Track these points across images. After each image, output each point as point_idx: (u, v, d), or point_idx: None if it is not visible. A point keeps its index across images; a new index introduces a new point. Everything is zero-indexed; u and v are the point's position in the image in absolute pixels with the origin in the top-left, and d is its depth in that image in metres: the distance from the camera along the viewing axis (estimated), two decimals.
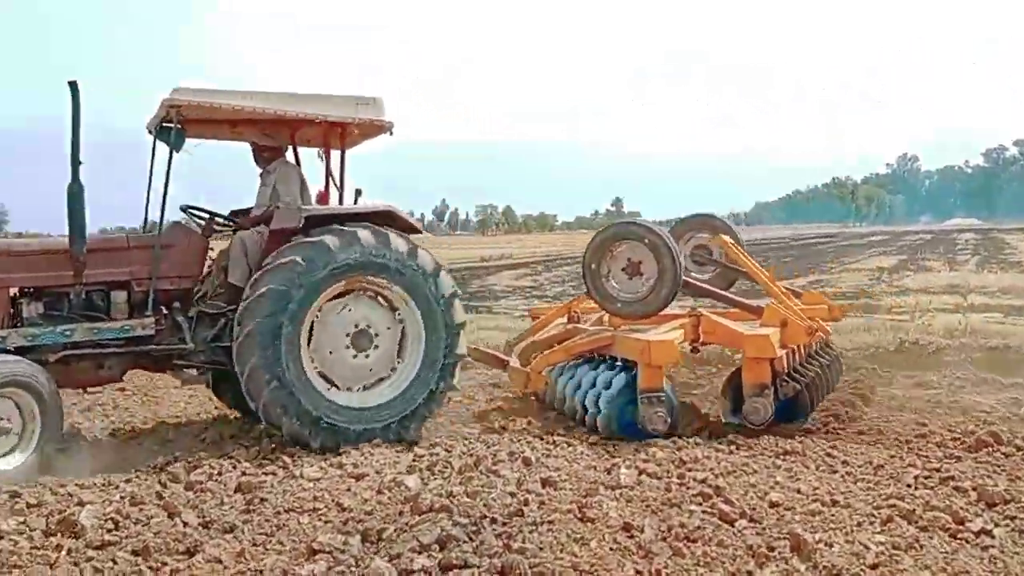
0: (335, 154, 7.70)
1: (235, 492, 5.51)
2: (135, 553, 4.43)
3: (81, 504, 5.14)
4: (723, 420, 7.49)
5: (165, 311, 7.00)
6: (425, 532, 4.45)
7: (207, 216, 7.52)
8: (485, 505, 4.88)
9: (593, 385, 7.45)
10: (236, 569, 4.26)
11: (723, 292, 8.32)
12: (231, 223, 7.60)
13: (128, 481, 5.83)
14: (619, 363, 7.51)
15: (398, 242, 7.06)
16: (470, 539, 4.39)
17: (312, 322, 6.88)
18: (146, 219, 7.48)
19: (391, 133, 7.53)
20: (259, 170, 7.88)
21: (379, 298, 7.16)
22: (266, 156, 7.74)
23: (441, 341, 7.13)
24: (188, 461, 6.25)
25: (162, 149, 7.06)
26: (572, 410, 7.76)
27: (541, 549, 4.25)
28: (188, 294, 7.16)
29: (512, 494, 5.09)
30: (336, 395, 6.93)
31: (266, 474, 5.93)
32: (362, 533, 4.58)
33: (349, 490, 5.44)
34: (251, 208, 7.66)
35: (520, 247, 64.97)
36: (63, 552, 4.45)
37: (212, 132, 7.80)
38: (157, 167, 7.02)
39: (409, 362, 7.17)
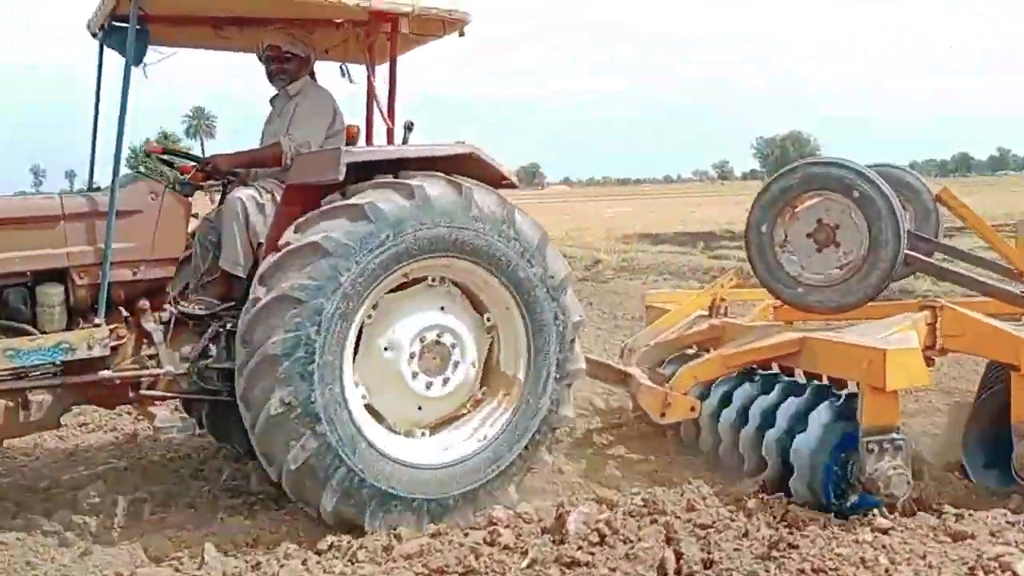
0: (379, 69, 5.13)
1: None
2: None
3: None
4: (972, 478, 4.95)
5: (125, 315, 4.52)
6: None
7: (188, 163, 5.01)
8: None
9: (768, 420, 4.94)
10: None
11: (966, 273, 5.58)
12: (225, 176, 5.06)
13: None
14: (803, 382, 5.02)
15: (489, 202, 4.52)
16: None
17: (360, 331, 4.42)
18: (92, 174, 4.95)
19: (462, 33, 4.96)
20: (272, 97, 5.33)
21: (455, 289, 4.67)
22: (287, 71, 5.18)
23: (551, 352, 4.64)
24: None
25: (114, 60, 4.58)
26: (731, 455, 5.27)
27: None
28: (160, 287, 4.66)
29: None
30: (398, 445, 4.48)
31: None
32: None
33: None
34: (253, 151, 5.12)
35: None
36: None
37: (189, 35, 5.22)
38: (106, 90, 4.54)
39: (503, 389, 4.71)
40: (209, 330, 4.58)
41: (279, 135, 4.98)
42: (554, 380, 4.62)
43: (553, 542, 4.03)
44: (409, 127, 5.30)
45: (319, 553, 4.11)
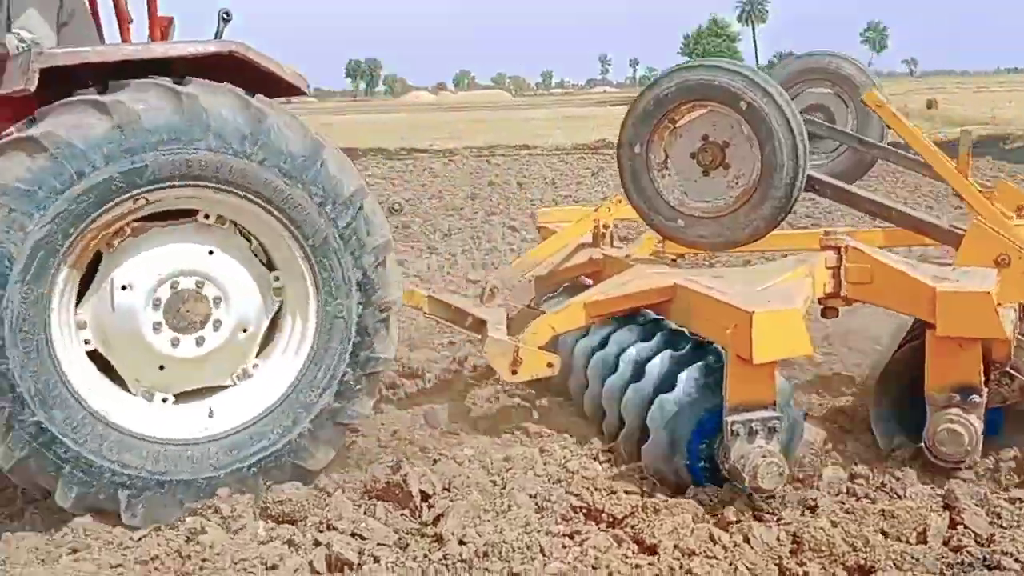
0: None
1: None
2: None
3: None
4: (883, 447, 4.01)
5: None
6: None
7: None
8: None
9: (638, 373, 4.02)
10: None
11: (885, 202, 4.46)
12: None
13: None
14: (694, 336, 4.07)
15: (230, 113, 3.48)
16: None
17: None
18: None
19: None
20: None
21: (239, 237, 3.73)
22: None
23: (347, 281, 3.71)
24: None
25: None
26: (594, 408, 4.38)
27: None
28: None
29: None
30: (139, 416, 3.58)
31: None
32: None
33: None
34: None
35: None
36: None
37: None
38: None
39: (280, 355, 3.79)
40: None
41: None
42: (357, 315, 3.70)
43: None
44: (225, 18, 4.27)
45: None
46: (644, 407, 3.81)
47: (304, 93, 3.95)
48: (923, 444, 3.70)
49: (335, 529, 3.27)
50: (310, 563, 3.08)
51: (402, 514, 3.43)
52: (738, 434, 3.49)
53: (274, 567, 3.05)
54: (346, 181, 3.68)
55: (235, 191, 3.51)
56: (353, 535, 3.22)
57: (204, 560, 3.12)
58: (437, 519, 3.32)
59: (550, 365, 4.31)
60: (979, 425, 3.63)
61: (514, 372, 4.29)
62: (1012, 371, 3.71)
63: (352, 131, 27.55)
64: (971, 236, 3.89)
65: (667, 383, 3.80)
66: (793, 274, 3.87)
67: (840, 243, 3.91)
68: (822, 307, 4.01)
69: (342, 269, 3.66)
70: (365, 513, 3.41)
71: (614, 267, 4.69)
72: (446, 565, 3.01)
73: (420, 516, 3.40)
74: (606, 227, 5.17)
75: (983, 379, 3.64)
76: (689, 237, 4.27)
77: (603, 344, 4.43)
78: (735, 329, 3.45)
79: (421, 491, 3.51)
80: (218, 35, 4.27)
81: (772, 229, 4.14)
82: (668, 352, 3.98)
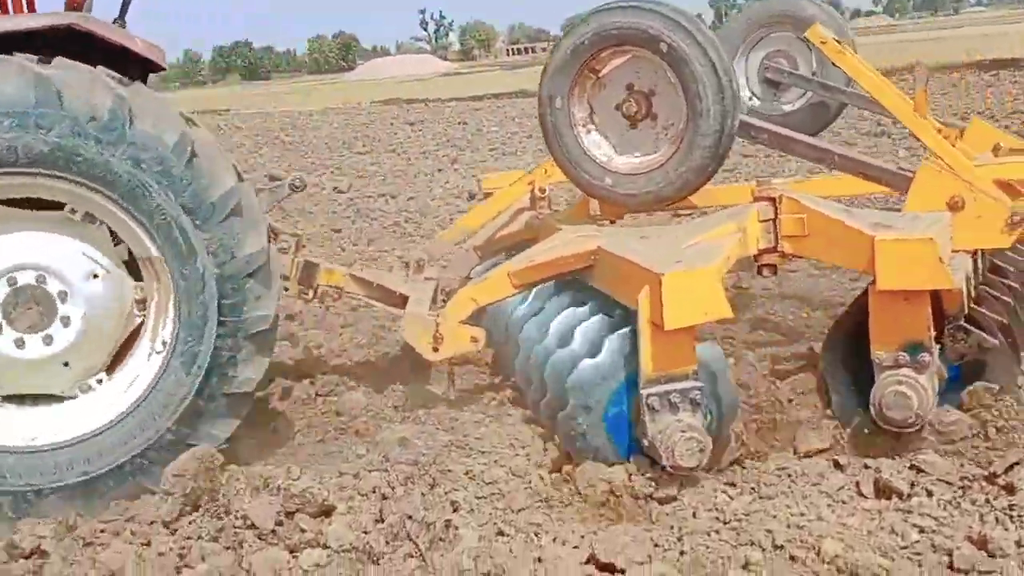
0: None
1: None
2: None
3: None
4: (835, 414, 3.64)
5: None
6: None
7: None
8: None
9: (566, 340, 3.69)
10: None
11: (826, 145, 4.02)
12: None
13: None
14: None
15: (74, 93, 3.17)
16: None
17: None
18: None
19: None
20: None
21: (98, 224, 3.44)
22: None
23: (207, 298, 3.32)
24: None
25: None
26: (524, 379, 4.07)
27: None
28: None
29: None
30: None
31: None
32: None
33: None
34: None
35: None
36: None
37: None
38: None
39: (130, 367, 3.49)
40: None
41: None
42: (219, 332, 3.37)
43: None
44: None
45: None
46: (566, 375, 3.49)
47: (162, 68, 3.66)
48: (871, 407, 3.34)
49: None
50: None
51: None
52: (654, 408, 3.17)
53: None
54: (216, 178, 3.33)
55: (81, 181, 3.19)
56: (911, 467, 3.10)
57: None
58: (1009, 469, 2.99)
59: (474, 339, 4.01)
60: (930, 386, 3.27)
61: (435, 350, 4.01)
62: (967, 325, 3.34)
63: None
64: (920, 178, 3.50)
65: (593, 349, 3.48)
66: (721, 229, 3.52)
67: (773, 192, 3.54)
68: (757, 264, 3.65)
69: (204, 278, 3.29)
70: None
71: (548, 232, 4.36)
72: (1010, 516, 2.74)
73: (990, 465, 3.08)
74: (542, 191, 4.83)
75: (933, 335, 3.27)
76: (619, 196, 3.93)
77: (538, 312, 4.13)
78: (646, 293, 3.13)
79: None
80: (123, 8, 4.06)
81: (704, 181, 3.78)
82: (599, 317, 3.66)
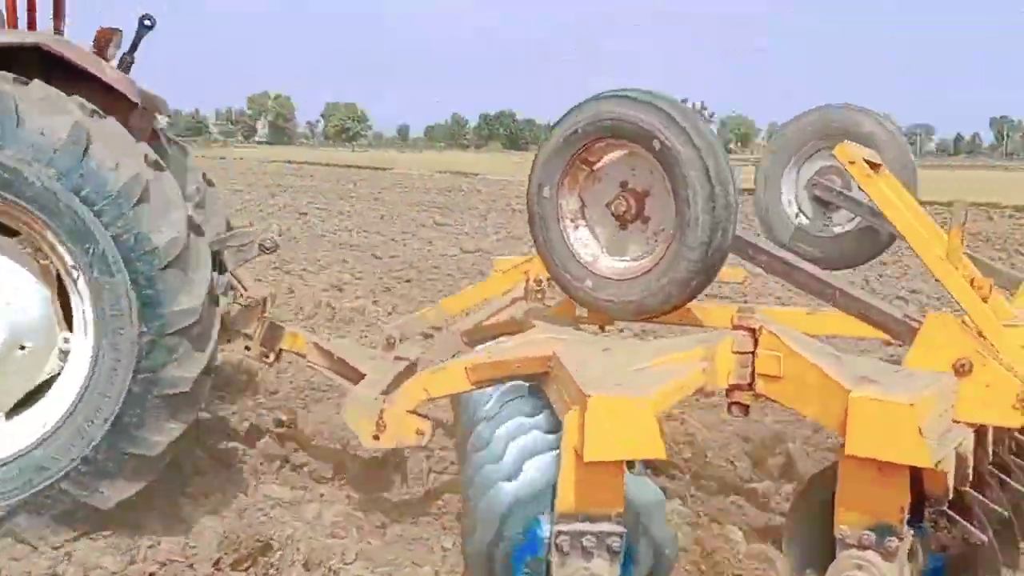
0: None
1: None
2: None
3: None
4: None
5: None
6: None
7: None
8: None
9: (500, 455, 3.33)
10: None
11: (828, 279, 3.53)
12: None
13: None
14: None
15: (33, 122, 3.12)
16: None
17: None
18: None
19: None
20: None
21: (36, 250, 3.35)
22: None
23: (130, 330, 3.19)
24: None
25: None
26: (466, 486, 3.70)
27: None
28: None
29: None
30: None
31: None
32: None
33: None
34: None
35: None
36: None
37: None
38: None
39: (61, 377, 3.37)
40: None
41: None
42: (140, 331, 3.19)
43: None
44: (147, 23, 4.00)
45: None
46: (483, 494, 3.13)
47: (133, 102, 3.54)
48: None
49: None
50: None
51: None
52: (563, 549, 2.77)
53: None
54: (118, 170, 3.20)
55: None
56: None
57: None
58: None
59: (420, 432, 3.68)
60: None
61: (376, 438, 3.70)
62: (951, 512, 2.82)
63: None
64: (926, 331, 3.00)
65: (517, 470, 3.11)
66: (686, 354, 3.11)
67: (754, 323, 3.11)
68: (728, 401, 3.21)
69: (117, 278, 3.16)
70: None
71: (526, 327, 4.02)
72: None
73: None
74: (538, 281, 4.48)
75: (905, 517, 2.76)
76: (597, 301, 3.56)
77: (493, 416, 3.77)
78: (573, 414, 2.75)
79: None
80: (135, 44, 4.02)
81: (688, 298, 3.38)
82: (536, 433, 3.29)
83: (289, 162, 48.81)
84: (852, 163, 3.59)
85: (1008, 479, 3.29)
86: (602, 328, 4.07)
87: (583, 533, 2.76)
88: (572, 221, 3.62)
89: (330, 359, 4.19)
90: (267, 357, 4.28)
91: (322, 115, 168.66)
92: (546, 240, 3.63)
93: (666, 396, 2.80)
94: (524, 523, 2.92)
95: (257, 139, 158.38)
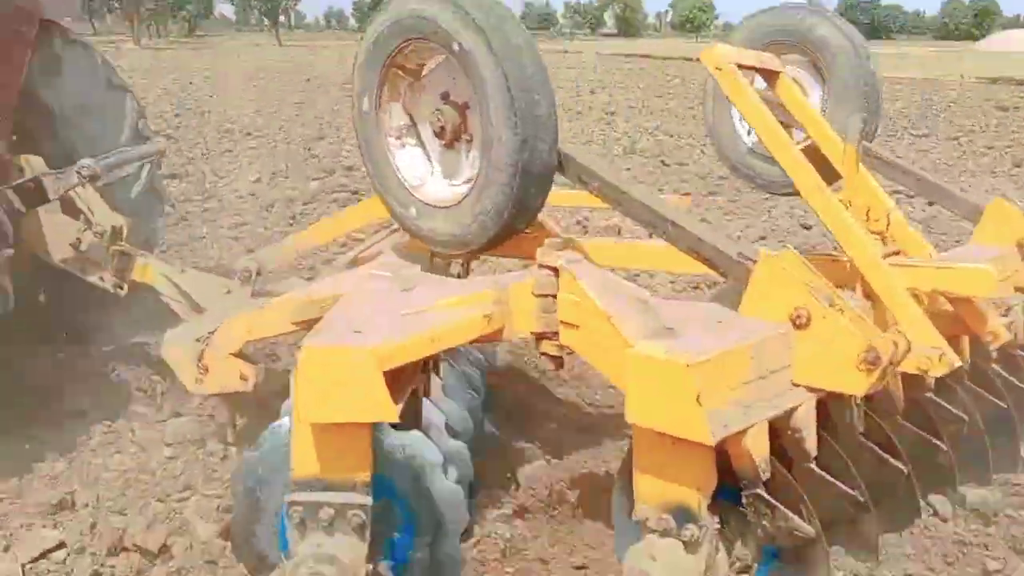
0: None
1: None
2: None
3: None
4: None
5: None
6: None
7: None
8: None
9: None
10: None
11: (662, 210, 2.87)
12: None
13: None
14: None
15: None
16: None
17: None
18: None
19: None
20: None
21: None
22: None
23: None
24: None
25: None
26: None
27: None
28: None
29: None
30: None
31: None
32: None
33: None
34: None
35: None
36: None
37: None
38: None
39: None
40: None
41: None
42: None
43: None
44: None
45: None
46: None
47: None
48: None
49: None
50: None
51: None
52: (295, 521, 2.39)
53: None
54: None
55: None
56: None
57: None
58: None
59: (243, 378, 3.34)
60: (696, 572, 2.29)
61: (199, 381, 3.37)
62: (767, 496, 2.31)
63: None
64: (757, 274, 2.44)
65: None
66: (472, 296, 2.65)
67: (555, 261, 2.61)
68: (540, 352, 2.73)
69: None
70: None
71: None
72: None
73: None
74: None
75: (704, 501, 2.28)
76: (423, 233, 3.09)
77: None
78: (299, 365, 2.34)
79: None
80: None
81: (509, 229, 2.87)
82: None
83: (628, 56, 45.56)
84: (719, 69, 2.98)
85: (888, 455, 2.73)
86: (458, 264, 3.59)
87: (320, 504, 2.37)
88: (398, 139, 3.14)
89: (179, 292, 3.86)
90: (120, 288, 3.99)
91: (670, 5, 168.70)
92: (371, 160, 3.17)
93: (400, 349, 2.34)
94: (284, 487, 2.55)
95: (605, 31, 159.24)
